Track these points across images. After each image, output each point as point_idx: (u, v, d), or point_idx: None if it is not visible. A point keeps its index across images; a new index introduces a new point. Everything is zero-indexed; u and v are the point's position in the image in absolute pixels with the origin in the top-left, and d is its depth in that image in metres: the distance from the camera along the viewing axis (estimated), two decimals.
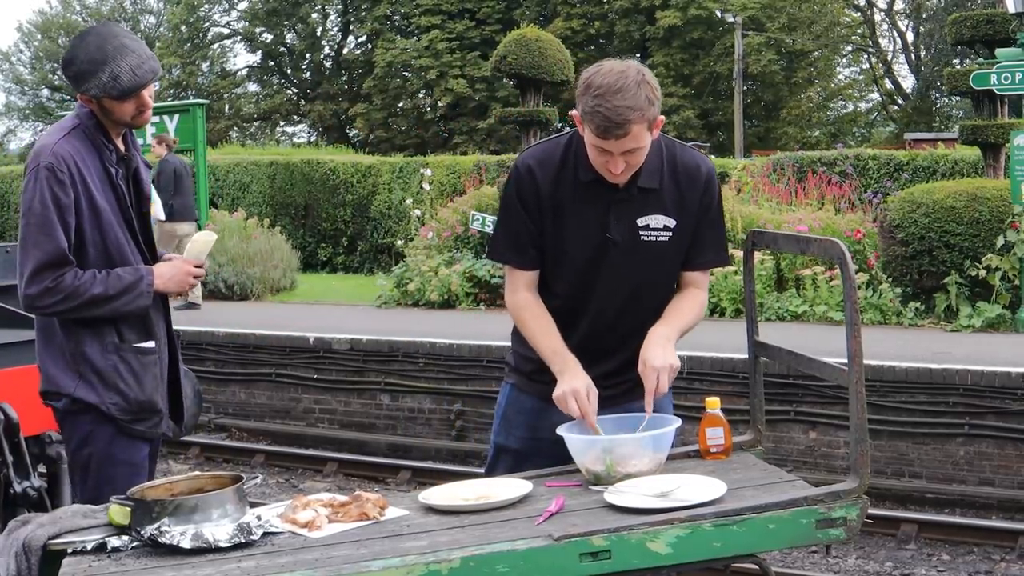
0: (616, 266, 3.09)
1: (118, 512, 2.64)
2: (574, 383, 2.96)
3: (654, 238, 3.08)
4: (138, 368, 3.32)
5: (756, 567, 2.74)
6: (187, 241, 4.04)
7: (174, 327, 3.55)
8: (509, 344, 3.36)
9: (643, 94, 2.89)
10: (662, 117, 3.00)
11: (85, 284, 3.20)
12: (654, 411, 2.98)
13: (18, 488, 4.75)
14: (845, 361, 2.68)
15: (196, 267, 3.43)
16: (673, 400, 3.32)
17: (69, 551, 2.58)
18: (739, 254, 10.84)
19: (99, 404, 3.28)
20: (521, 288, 3.16)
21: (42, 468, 5.14)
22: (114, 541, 2.57)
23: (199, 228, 12.60)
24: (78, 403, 3.29)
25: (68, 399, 3.30)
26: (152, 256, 3.42)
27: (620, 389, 3.13)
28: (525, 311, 3.14)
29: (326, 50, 45.43)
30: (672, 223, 3.09)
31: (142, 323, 3.34)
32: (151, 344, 3.36)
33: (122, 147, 3.38)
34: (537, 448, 3.17)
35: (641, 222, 3.08)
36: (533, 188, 3.09)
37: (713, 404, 3.04)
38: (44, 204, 3.17)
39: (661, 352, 2.97)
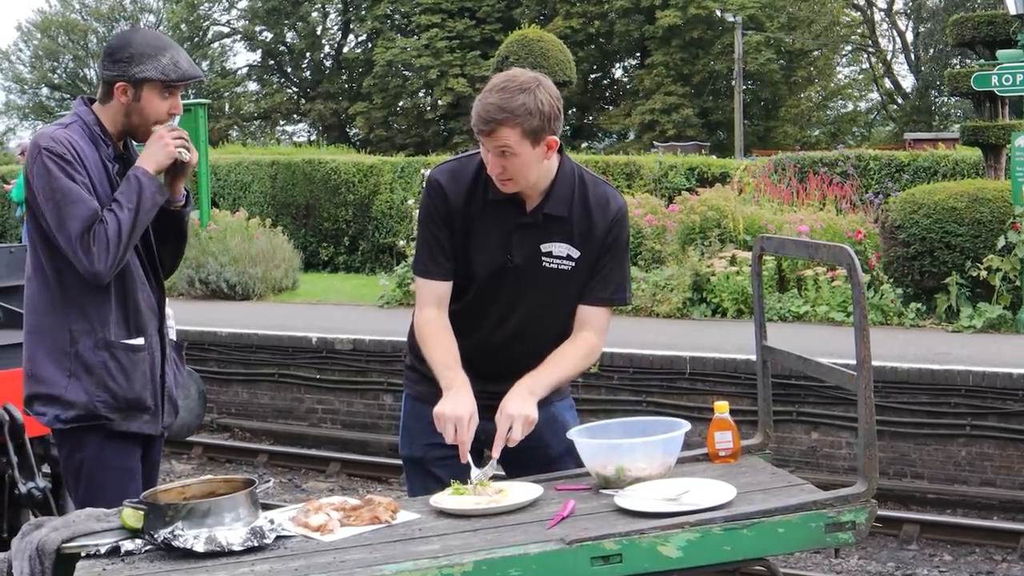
0: (514, 289, 3.09)
1: (131, 516, 2.65)
2: (458, 408, 2.90)
3: (555, 265, 3.08)
4: (127, 365, 3.29)
5: (764, 569, 2.76)
6: None
7: (178, 326, 3.53)
8: None
9: (522, 100, 2.89)
10: (554, 138, 2.97)
11: (113, 222, 3.15)
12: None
13: (23, 489, 4.75)
14: (854, 364, 2.69)
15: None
16: (574, 406, 3.35)
17: (83, 554, 2.59)
18: (742, 254, 10.84)
19: (88, 403, 3.24)
20: (429, 305, 3.13)
21: (46, 468, 5.15)
22: (127, 545, 2.59)
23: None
24: (68, 406, 3.24)
25: (58, 403, 3.25)
26: (149, 253, 3.39)
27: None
28: (427, 326, 3.11)
29: (326, 49, 45.44)
30: (576, 253, 3.08)
31: (132, 320, 3.32)
32: (140, 341, 3.34)
33: (121, 147, 3.37)
34: (442, 454, 3.08)
35: (544, 248, 3.08)
36: (443, 203, 3.09)
37: (722, 408, 3.06)
38: (58, 178, 3.14)
39: (520, 403, 2.94)
